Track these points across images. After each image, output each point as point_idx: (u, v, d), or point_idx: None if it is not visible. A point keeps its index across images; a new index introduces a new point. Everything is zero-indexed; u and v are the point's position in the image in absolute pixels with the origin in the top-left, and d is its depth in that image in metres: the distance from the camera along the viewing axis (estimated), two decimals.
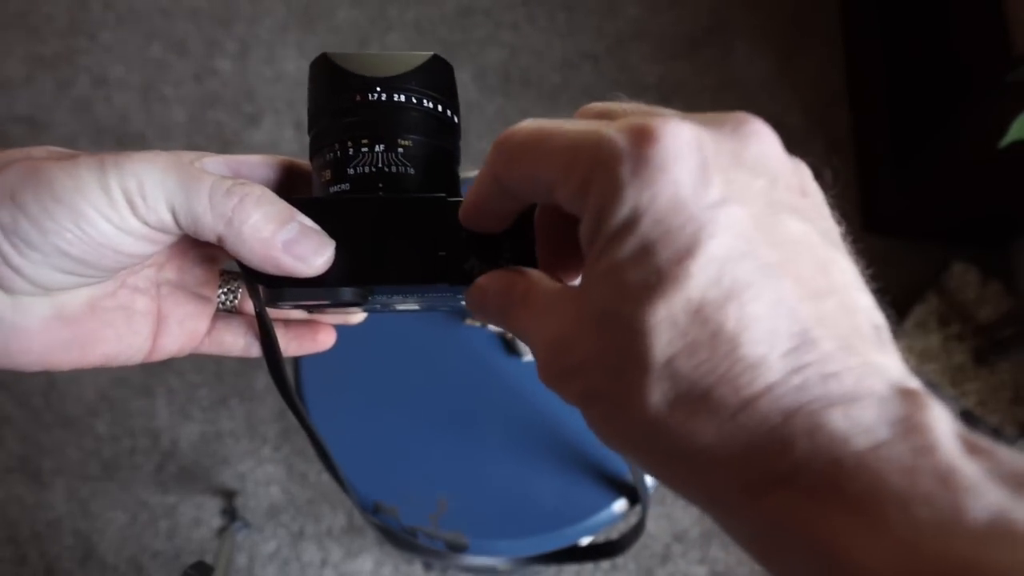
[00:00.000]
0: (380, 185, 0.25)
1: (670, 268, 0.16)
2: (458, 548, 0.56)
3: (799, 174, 0.18)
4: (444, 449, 0.59)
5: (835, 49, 1.37)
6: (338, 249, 0.24)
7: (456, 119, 0.28)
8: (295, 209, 0.23)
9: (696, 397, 0.16)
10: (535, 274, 0.22)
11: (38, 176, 0.21)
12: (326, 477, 1.04)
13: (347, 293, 0.24)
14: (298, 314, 0.31)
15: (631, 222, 0.16)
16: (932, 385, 1.00)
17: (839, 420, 0.15)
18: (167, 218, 0.22)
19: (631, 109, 0.20)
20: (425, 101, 0.26)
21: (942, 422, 0.15)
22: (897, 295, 1.15)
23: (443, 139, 0.27)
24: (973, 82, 1.00)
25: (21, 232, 0.21)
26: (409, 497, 0.57)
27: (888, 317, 0.18)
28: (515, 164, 0.20)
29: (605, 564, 1.01)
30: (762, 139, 0.18)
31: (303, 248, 0.23)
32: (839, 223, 0.19)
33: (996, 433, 1.00)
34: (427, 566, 0.99)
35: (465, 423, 0.60)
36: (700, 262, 0.16)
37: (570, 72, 1.34)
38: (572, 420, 0.60)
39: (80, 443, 1.05)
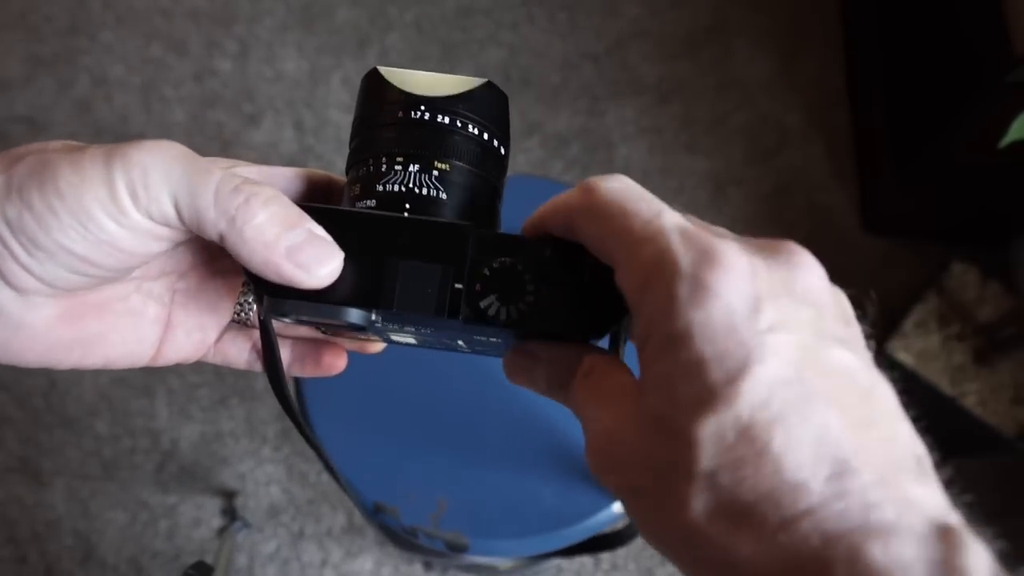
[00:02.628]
0: (407, 206, 0.24)
1: (721, 386, 0.17)
2: (458, 548, 0.56)
3: (841, 304, 0.19)
4: (444, 449, 0.59)
5: (835, 49, 1.37)
6: (348, 266, 0.22)
7: (504, 151, 0.26)
8: (306, 215, 0.22)
9: (737, 511, 0.16)
10: (599, 353, 0.22)
11: (44, 171, 0.20)
12: (326, 477, 1.04)
13: (351, 314, 0.22)
14: (310, 332, 0.29)
15: (684, 336, 0.17)
16: (932, 385, 1.00)
17: (879, 553, 0.15)
18: (169, 211, 0.21)
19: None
20: (471, 127, 0.25)
21: (980, 563, 0.15)
22: (897, 295, 1.15)
23: (485, 169, 0.25)
24: (973, 82, 1.00)
25: (27, 229, 0.20)
26: (409, 497, 0.57)
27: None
28: (590, 223, 0.20)
29: (605, 564, 1.01)
30: (810, 270, 0.19)
31: (306, 256, 0.21)
32: (871, 349, 0.20)
33: (995, 433, 1.00)
34: (427, 566, 0.99)
35: (465, 423, 0.60)
36: (750, 384, 0.17)
37: (570, 72, 1.34)
38: (571, 421, 0.60)
39: (80, 443, 1.05)
